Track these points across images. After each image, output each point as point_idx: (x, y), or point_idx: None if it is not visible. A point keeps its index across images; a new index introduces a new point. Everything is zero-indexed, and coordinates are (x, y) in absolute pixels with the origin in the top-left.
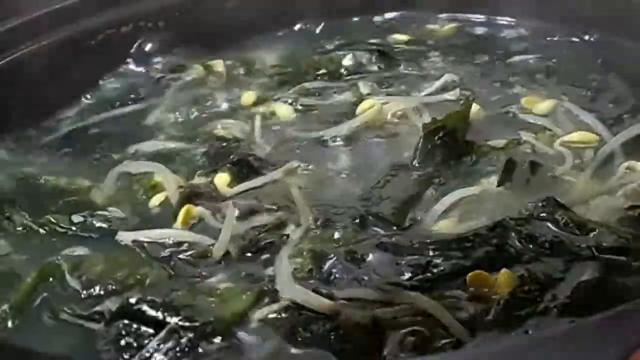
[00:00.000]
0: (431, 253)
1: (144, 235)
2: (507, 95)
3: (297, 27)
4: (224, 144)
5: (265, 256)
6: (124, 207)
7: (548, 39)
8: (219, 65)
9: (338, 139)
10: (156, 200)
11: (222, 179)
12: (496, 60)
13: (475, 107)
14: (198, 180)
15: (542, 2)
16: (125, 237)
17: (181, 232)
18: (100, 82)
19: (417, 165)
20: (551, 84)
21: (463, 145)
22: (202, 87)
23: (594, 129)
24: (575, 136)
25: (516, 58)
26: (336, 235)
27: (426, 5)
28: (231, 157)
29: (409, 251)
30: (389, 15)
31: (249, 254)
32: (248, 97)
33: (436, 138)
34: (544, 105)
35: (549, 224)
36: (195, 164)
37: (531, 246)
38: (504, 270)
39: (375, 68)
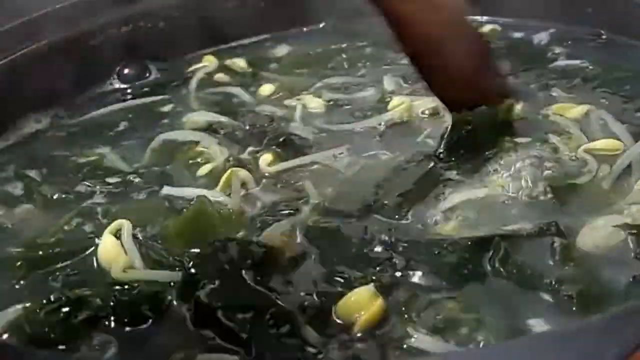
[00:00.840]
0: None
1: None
2: (542, 98)
3: (321, 24)
4: (266, 124)
5: None
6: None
7: (579, 43)
8: (240, 62)
9: (369, 131)
10: (204, 170)
11: (265, 159)
12: (533, 63)
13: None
14: (245, 156)
15: (582, 7)
16: (167, 190)
17: (206, 192)
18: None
19: (440, 156)
20: (587, 91)
21: (488, 140)
22: (221, 84)
23: (622, 139)
24: (601, 143)
25: (557, 63)
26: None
27: None
28: (278, 137)
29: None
30: None
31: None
32: (270, 89)
33: (463, 131)
34: (577, 110)
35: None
36: (240, 141)
37: (502, 270)
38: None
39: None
